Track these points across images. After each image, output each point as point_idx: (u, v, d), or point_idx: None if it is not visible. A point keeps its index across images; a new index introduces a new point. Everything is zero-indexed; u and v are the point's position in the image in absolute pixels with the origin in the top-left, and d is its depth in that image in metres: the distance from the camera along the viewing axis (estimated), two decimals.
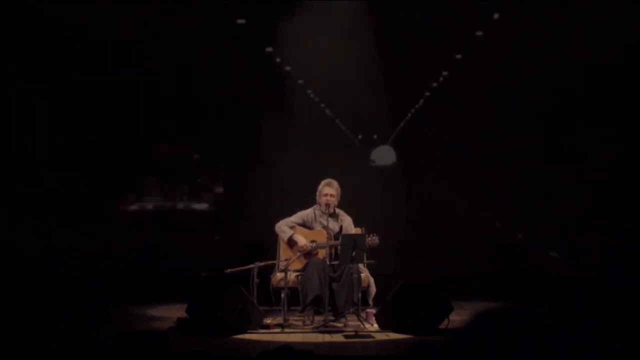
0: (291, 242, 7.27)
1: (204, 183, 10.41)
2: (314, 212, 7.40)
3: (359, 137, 10.69)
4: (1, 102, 9.83)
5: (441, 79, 10.47)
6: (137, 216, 10.21)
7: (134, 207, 10.20)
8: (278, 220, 7.41)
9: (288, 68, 10.22)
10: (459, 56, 10.31)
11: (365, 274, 7.17)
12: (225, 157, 10.52)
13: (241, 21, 10.05)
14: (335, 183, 7.36)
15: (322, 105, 10.37)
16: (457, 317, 6.59)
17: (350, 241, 6.66)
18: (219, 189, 10.41)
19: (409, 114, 10.52)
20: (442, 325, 6.53)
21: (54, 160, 9.91)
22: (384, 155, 10.80)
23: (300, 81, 10.28)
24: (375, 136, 10.79)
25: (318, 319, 6.85)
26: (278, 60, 10.19)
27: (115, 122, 9.98)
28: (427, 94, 10.50)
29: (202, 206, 10.27)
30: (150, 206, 10.22)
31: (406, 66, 10.14)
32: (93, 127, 10.01)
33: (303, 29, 9.81)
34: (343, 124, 10.45)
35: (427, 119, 10.42)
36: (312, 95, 10.34)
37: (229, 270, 6.78)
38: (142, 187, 10.35)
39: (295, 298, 7.11)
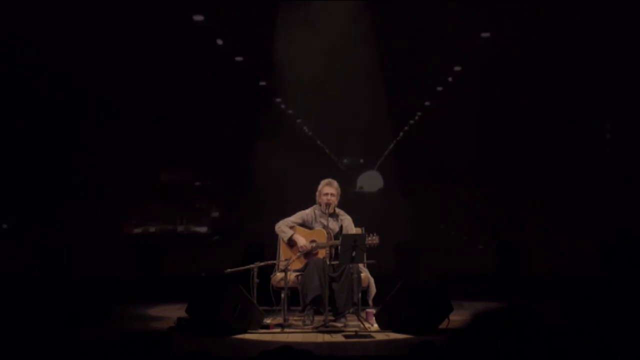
0: (291, 242, 7.27)
1: (201, 208, 10.69)
2: (314, 212, 7.40)
3: (344, 160, 10.58)
4: (23, 109, 10.00)
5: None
6: (141, 237, 10.57)
7: (137, 230, 10.51)
8: (278, 221, 7.41)
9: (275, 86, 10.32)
10: (457, 68, 10.34)
11: (365, 274, 7.17)
12: (224, 161, 10.62)
13: (219, 41, 10.20)
14: (335, 183, 7.35)
15: (308, 130, 10.40)
16: (457, 317, 6.58)
17: (351, 241, 6.65)
18: (215, 213, 10.65)
19: (405, 127, 10.52)
20: (442, 325, 6.52)
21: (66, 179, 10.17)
22: (370, 181, 10.61)
23: (291, 112, 10.36)
24: (361, 160, 10.66)
25: (318, 319, 6.84)
26: (264, 84, 10.30)
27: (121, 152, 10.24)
28: (421, 111, 10.51)
29: (201, 229, 10.56)
30: (153, 229, 10.53)
31: (398, 85, 10.16)
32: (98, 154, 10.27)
33: (290, 51, 9.90)
34: (329, 146, 10.43)
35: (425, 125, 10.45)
36: (294, 114, 10.38)
37: (229, 270, 6.78)
38: (145, 212, 10.66)
39: (295, 298, 7.11)
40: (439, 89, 10.46)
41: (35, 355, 5.35)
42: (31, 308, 7.44)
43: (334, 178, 7.43)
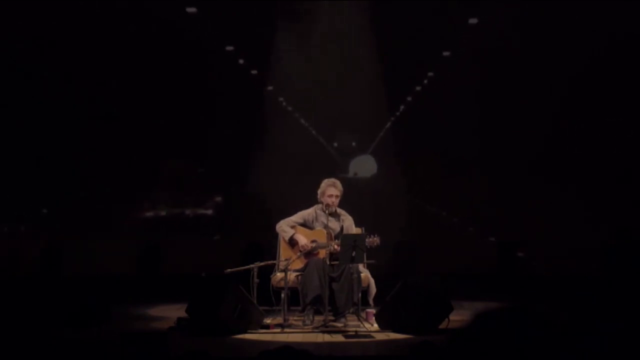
0: (292, 242, 7.27)
1: (205, 193, 10.87)
2: (315, 212, 7.40)
3: (335, 144, 10.44)
4: (22, 108, 10.03)
5: (426, 81, 10.41)
6: (152, 221, 10.73)
7: (149, 213, 10.71)
8: (278, 220, 7.42)
9: (270, 87, 10.34)
10: (447, 53, 10.30)
11: (365, 274, 7.17)
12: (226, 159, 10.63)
13: (229, 48, 10.23)
14: (338, 183, 7.35)
15: (298, 115, 10.36)
16: (457, 317, 6.59)
17: (351, 241, 6.65)
18: (218, 198, 10.77)
19: (398, 112, 10.43)
20: (442, 325, 6.53)
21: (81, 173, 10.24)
22: (364, 166, 10.31)
23: (281, 99, 10.34)
24: (354, 144, 10.45)
25: (318, 319, 6.84)
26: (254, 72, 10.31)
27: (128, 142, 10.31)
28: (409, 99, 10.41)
29: (207, 211, 10.74)
30: (163, 213, 10.74)
31: (389, 69, 10.14)
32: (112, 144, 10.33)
33: (281, 40, 9.94)
34: (318, 129, 10.36)
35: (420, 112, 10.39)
36: (284, 103, 10.36)
37: (229, 270, 6.78)
38: (156, 197, 10.83)
39: (295, 298, 7.11)
40: (430, 75, 10.41)
41: (36, 355, 5.35)
42: (31, 308, 7.45)
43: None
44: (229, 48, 10.29)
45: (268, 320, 6.82)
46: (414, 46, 10.04)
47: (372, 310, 6.93)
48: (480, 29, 10.08)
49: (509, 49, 10.04)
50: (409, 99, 10.32)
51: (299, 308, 7.05)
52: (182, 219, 10.78)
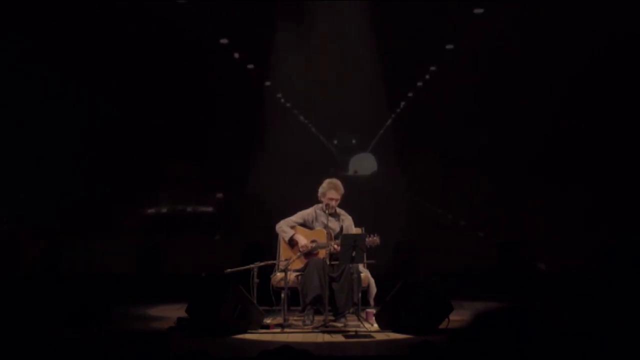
0: (292, 242, 7.28)
1: (205, 193, 10.89)
2: (315, 212, 7.41)
3: (335, 142, 10.46)
4: (22, 108, 10.04)
5: (428, 76, 10.37)
6: (153, 218, 10.72)
7: (151, 210, 10.72)
8: (278, 220, 7.43)
9: (268, 83, 10.34)
10: (450, 46, 10.28)
11: (365, 274, 7.17)
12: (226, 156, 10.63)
13: (224, 41, 10.23)
14: (340, 186, 7.34)
15: (296, 111, 10.35)
16: (457, 317, 6.59)
17: (351, 241, 6.66)
18: (219, 195, 10.79)
19: (398, 110, 10.39)
20: (442, 325, 6.53)
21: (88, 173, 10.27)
22: (364, 164, 10.30)
23: (279, 95, 10.33)
24: (354, 141, 10.46)
25: (318, 319, 6.85)
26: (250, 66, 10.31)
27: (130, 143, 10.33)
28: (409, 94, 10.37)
29: (208, 208, 10.75)
30: (164, 209, 10.75)
31: (389, 68, 10.13)
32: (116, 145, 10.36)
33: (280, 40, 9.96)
34: (318, 127, 10.34)
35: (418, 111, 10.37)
36: (283, 100, 10.35)
37: (229, 270, 6.78)
38: (156, 197, 10.82)
39: (295, 298, 7.11)
40: (432, 68, 10.38)
41: (36, 355, 5.35)
42: (31, 308, 7.45)
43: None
44: (223, 41, 10.25)
45: (268, 320, 6.82)
46: (414, 46, 10.05)
47: (372, 310, 6.93)
48: (480, 28, 10.08)
49: (509, 49, 10.04)
50: (410, 94, 10.28)
51: (299, 308, 7.05)
52: (183, 217, 10.80)
